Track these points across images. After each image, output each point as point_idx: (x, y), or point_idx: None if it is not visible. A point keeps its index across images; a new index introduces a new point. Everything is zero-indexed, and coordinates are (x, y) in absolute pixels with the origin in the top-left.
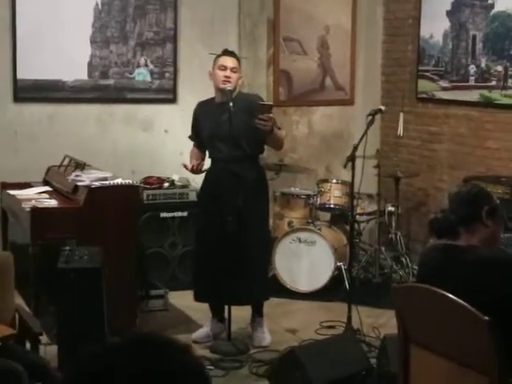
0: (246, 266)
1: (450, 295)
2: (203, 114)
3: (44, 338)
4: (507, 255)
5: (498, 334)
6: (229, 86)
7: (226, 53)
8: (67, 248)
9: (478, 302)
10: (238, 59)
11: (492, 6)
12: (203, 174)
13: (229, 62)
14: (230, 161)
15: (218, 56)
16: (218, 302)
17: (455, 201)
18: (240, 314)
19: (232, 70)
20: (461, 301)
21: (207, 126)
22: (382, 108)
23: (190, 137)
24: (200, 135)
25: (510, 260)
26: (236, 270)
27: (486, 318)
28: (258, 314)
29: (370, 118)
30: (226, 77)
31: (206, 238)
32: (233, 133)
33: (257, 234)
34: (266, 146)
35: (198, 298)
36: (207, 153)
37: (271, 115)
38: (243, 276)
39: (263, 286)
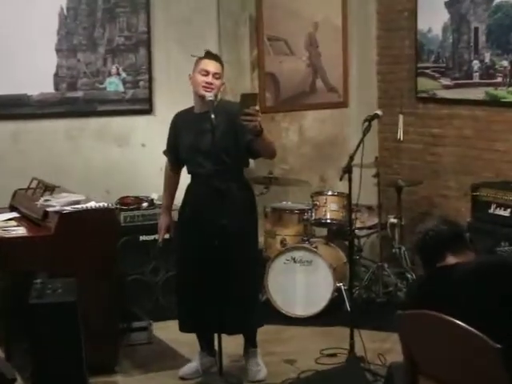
0: (234, 291)
1: (458, 322)
2: (182, 125)
3: (18, 382)
4: (500, 257)
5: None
6: (210, 96)
7: (209, 56)
8: (39, 281)
9: (487, 318)
10: (222, 64)
11: None
12: (182, 192)
13: (211, 66)
14: (212, 176)
15: (200, 59)
16: (206, 331)
17: (435, 231)
18: (232, 346)
19: (214, 75)
20: (470, 328)
21: (186, 139)
22: (379, 113)
23: (165, 152)
24: (177, 149)
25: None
26: (224, 295)
27: (498, 345)
28: (250, 344)
29: (366, 124)
30: (207, 83)
31: (188, 262)
32: (215, 145)
33: (246, 254)
34: (250, 160)
35: (184, 328)
36: (185, 169)
37: (257, 107)
38: (232, 302)
39: (255, 312)
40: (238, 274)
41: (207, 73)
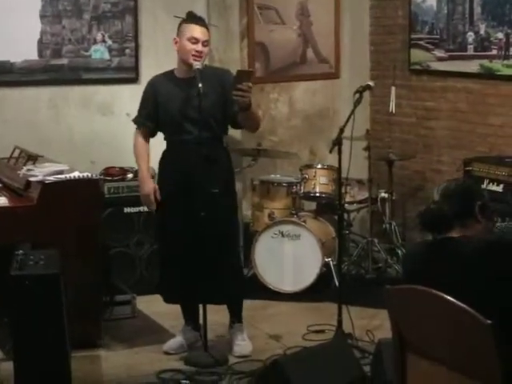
0: (221, 260)
1: (449, 297)
2: (163, 90)
3: None
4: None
5: (502, 338)
6: (198, 65)
7: (195, 20)
8: (21, 252)
9: (481, 299)
10: (208, 28)
11: None
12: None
13: (200, 33)
14: (200, 143)
15: (186, 22)
16: (191, 301)
17: (447, 195)
18: (217, 320)
19: (204, 43)
20: (461, 304)
21: (171, 104)
22: (371, 84)
23: (137, 120)
24: (158, 115)
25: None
26: (209, 265)
27: (489, 321)
28: (236, 318)
29: (358, 95)
30: (197, 51)
31: (174, 232)
32: (203, 113)
33: (231, 224)
34: (237, 131)
35: (169, 299)
36: (163, 136)
37: (250, 84)
38: (218, 271)
39: (240, 282)
40: (223, 244)
41: (197, 40)
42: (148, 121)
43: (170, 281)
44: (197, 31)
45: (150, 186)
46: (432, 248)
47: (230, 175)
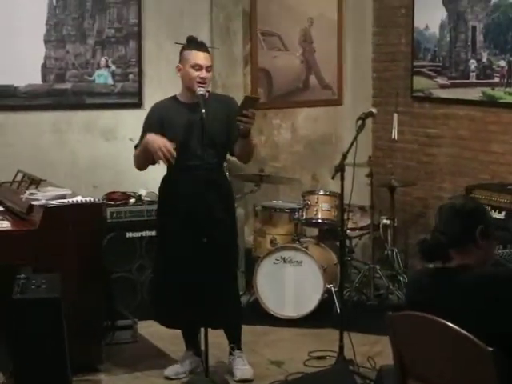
0: (219, 285)
1: (450, 324)
2: (167, 115)
3: (0, 378)
4: (505, 271)
5: (504, 365)
6: (201, 90)
7: (197, 46)
8: (22, 276)
9: (480, 326)
10: (210, 53)
11: None
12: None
13: (203, 59)
14: (203, 168)
15: (188, 49)
16: (191, 326)
17: (446, 220)
18: (218, 346)
19: (207, 69)
20: (462, 330)
21: (177, 131)
22: (374, 111)
23: (138, 145)
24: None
25: (508, 276)
26: (209, 289)
27: (491, 348)
28: (235, 345)
29: (360, 122)
30: (201, 78)
31: (176, 258)
32: (209, 137)
33: (232, 249)
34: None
35: (168, 324)
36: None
37: (255, 111)
38: (217, 296)
39: (238, 308)
40: (223, 269)
41: (200, 67)
42: None
43: (169, 306)
44: (200, 58)
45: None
46: (431, 277)
47: (231, 201)
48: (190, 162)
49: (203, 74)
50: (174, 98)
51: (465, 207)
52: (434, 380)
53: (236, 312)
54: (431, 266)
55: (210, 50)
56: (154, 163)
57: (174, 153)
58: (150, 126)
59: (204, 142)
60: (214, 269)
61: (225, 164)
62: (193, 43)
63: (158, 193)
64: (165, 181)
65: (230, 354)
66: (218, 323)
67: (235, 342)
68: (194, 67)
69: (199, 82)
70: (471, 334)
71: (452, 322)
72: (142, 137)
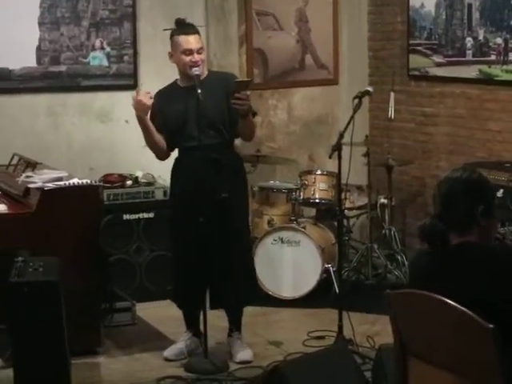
0: (233, 266)
1: (450, 301)
2: (168, 101)
3: None
4: (503, 247)
5: (504, 342)
6: (197, 70)
7: (186, 30)
8: (20, 259)
9: (482, 303)
10: (199, 32)
11: None
12: (169, 168)
13: (193, 43)
14: (208, 148)
15: (176, 34)
16: (201, 306)
17: (445, 200)
18: (217, 327)
19: (198, 51)
20: (462, 308)
21: (176, 114)
22: (370, 89)
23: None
24: (166, 126)
25: (507, 251)
26: (222, 268)
27: (491, 325)
28: (235, 327)
29: (357, 101)
30: (193, 62)
31: (186, 238)
32: (207, 117)
33: (241, 228)
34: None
35: (182, 304)
36: (174, 144)
37: (249, 93)
38: (231, 275)
39: (254, 285)
40: (235, 249)
41: (191, 51)
42: (164, 133)
43: (185, 287)
44: (189, 42)
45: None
46: (431, 255)
47: (240, 179)
48: (189, 144)
49: (195, 57)
50: (175, 83)
51: (466, 183)
52: (434, 358)
53: (250, 291)
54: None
55: (200, 29)
56: (159, 145)
57: (145, 96)
58: (152, 117)
59: (201, 122)
60: (224, 248)
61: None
62: (180, 27)
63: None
64: (174, 163)
65: (229, 335)
66: (231, 303)
67: (235, 324)
68: (184, 53)
69: (192, 66)
70: (471, 311)
71: (452, 300)
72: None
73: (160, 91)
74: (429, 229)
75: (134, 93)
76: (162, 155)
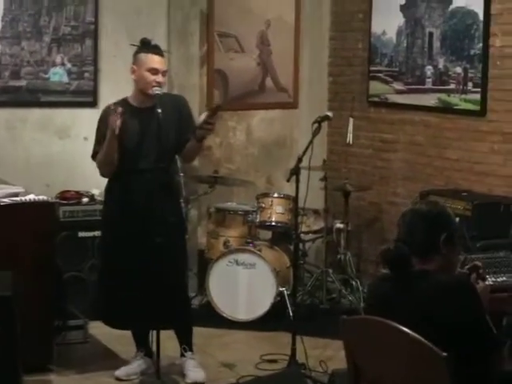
0: (168, 286)
1: (405, 329)
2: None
3: None
4: (462, 279)
5: (457, 371)
6: (158, 90)
7: (153, 50)
8: None
9: (434, 332)
10: (164, 56)
11: (450, 1)
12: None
13: (159, 63)
14: (156, 171)
15: (143, 51)
16: (139, 327)
17: (409, 228)
18: (170, 347)
19: (163, 73)
20: (416, 335)
21: (130, 135)
22: (330, 115)
23: (96, 154)
24: (119, 145)
25: (465, 283)
26: (159, 290)
27: (444, 354)
28: (187, 347)
29: (316, 125)
30: (157, 83)
31: (122, 258)
32: (162, 141)
33: (182, 250)
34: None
35: (117, 325)
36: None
37: (215, 120)
38: (167, 297)
39: (188, 309)
40: (172, 270)
41: (157, 71)
42: None
43: (117, 308)
44: (156, 62)
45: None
46: (389, 282)
47: (179, 201)
48: (141, 166)
49: (159, 78)
50: (125, 101)
51: (429, 214)
52: None
53: (186, 313)
54: (389, 271)
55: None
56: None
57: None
58: (100, 133)
59: (159, 144)
60: (162, 270)
61: (178, 165)
62: (147, 46)
63: (105, 193)
64: (111, 183)
65: (182, 355)
66: (167, 324)
67: (186, 344)
68: (149, 71)
69: (154, 86)
70: (426, 339)
71: (408, 328)
72: (97, 144)
73: (111, 108)
74: (393, 252)
75: (119, 109)
76: (110, 173)
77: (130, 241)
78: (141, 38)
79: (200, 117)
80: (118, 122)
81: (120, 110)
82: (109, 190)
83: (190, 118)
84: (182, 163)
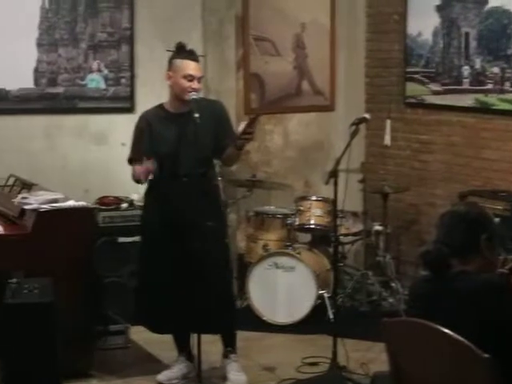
0: (214, 291)
1: (446, 330)
2: (156, 126)
3: None
4: (503, 278)
5: (500, 373)
6: (194, 95)
7: (189, 56)
8: (14, 280)
9: (476, 333)
10: (199, 61)
11: (486, 1)
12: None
13: (195, 69)
14: (195, 176)
15: (179, 57)
16: (181, 331)
17: (448, 229)
18: (211, 351)
19: (199, 80)
20: (458, 336)
21: (166, 139)
22: (367, 116)
23: (130, 159)
24: (156, 151)
25: (505, 283)
26: (202, 294)
27: (486, 355)
28: (230, 349)
29: (354, 127)
30: (193, 88)
31: (163, 262)
32: (199, 146)
33: (224, 255)
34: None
35: (157, 329)
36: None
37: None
38: (211, 301)
39: (234, 312)
40: (216, 274)
41: (193, 78)
42: (141, 155)
43: (158, 312)
44: (192, 68)
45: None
46: (430, 283)
47: (221, 206)
48: (179, 171)
49: (195, 84)
50: (161, 107)
51: (468, 215)
52: None
53: (231, 316)
54: (429, 273)
55: (198, 57)
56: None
57: (153, 166)
58: (137, 138)
59: (196, 149)
60: (205, 274)
61: (217, 169)
62: (183, 51)
63: (144, 198)
64: (150, 189)
65: (225, 356)
66: (211, 329)
67: (231, 346)
68: (185, 77)
69: (190, 92)
70: (468, 341)
71: (449, 329)
72: (133, 148)
73: (146, 114)
74: (433, 253)
75: (150, 165)
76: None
77: (169, 245)
78: (176, 43)
79: (239, 126)
80: (144, 175)
81: (151, 165)
82: (148, 195)
83: (227, 123)
84: (220, 168)
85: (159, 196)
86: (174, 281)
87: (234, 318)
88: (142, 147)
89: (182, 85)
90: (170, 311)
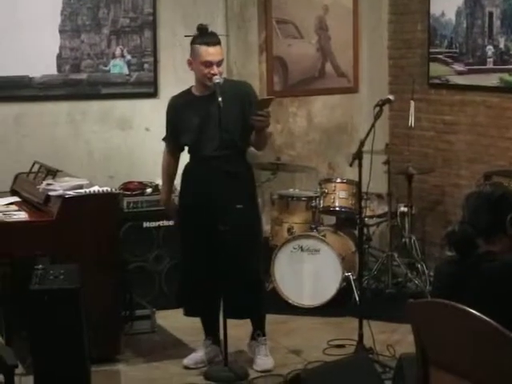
0: (243, 275)
1: (472, 311)
2: (184, 108)
3: (19, 369)
4: None
5: None
6: (217, 78)
7: (207, 39)
8: (40, 267)
9: (502, 313)
10: (220, 43)
11: None
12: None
13: (214, 55)
14: (221, 158)
15: (197, 43)
16: (212, 315)
17: (474, 209)
18: (237, 335)
19: (218, 64)
20: (484, 317)
21: (192, 123)
22: (391, 98)
23: (165, 138)
24: (180, 133)
25: None
26: (233, 279)
27: None
28: (260, 331)
29: (378, 109)
30: (212, 74)
31: (196, 246)
32: (224, 128)
33: (254, 238)
34: None
35: (189, 311)
36: (187, 152)
37: (270, 110)
38: (241, 285)
39: (263, 296)
40: (244, 257)
41: (211, 64)
42: (173, 138)
43: (191, 294)
44: (210, 54)
45: (171, 207)
46: (456, 264)
47: (252, 189)
48: (206, 153)
49: (214, 70)
50: (189, 91)
51: (493, 195)
52: (456, 368)
53: (260, 300)
54: (455, 253)
55: (221, 38)
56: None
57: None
58: (169, 122)
59: (221, 131)
60: (234, 258)
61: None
62: (203, 35)
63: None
64: (185, 169)
65: (254, 339)
66: (242, 313)
67: (260, 328)
68: (204, 64)
69: (210, 78)
70: (494, 321)
71: (476, 309)
72: (166, 129)
73: (176, 97)
74: (458, 234)
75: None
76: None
77: (199, 228)
78: (198, 24)
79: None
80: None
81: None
82: (182, 179)
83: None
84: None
85: (191, 180)
86: (207, 265)
87: (262, 298)
88: (171, 131)
89: (201, 71)
90: (201, 294)
